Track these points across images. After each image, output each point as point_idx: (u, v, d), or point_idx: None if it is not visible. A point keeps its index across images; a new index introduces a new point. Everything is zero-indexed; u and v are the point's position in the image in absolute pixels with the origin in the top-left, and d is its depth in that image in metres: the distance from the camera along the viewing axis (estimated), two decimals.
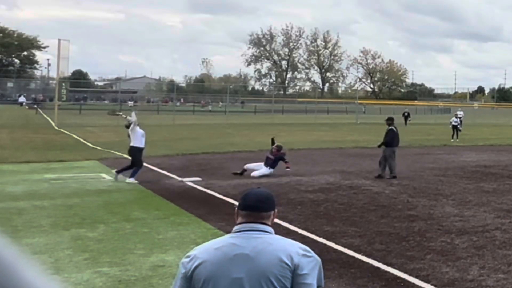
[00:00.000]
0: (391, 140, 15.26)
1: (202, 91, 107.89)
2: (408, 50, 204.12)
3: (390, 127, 15.50)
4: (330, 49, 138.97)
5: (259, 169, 14.81)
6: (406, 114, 46.34)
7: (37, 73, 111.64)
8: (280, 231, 8.06)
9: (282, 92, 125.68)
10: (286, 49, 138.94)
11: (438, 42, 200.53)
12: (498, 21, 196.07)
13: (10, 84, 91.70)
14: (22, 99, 73.66)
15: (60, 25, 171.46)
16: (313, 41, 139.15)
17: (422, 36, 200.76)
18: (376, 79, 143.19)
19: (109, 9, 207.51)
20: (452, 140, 28.85)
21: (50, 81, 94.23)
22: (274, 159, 14.98)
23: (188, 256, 2.68)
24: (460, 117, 39.02)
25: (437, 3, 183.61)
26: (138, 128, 13.69)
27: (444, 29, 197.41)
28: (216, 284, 2.57)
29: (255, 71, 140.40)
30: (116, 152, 19.80)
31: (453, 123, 30.68)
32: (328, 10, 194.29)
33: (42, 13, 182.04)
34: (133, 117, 13.65)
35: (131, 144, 13.71)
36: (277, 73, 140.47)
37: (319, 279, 2.64)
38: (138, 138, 13.62)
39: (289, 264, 2.57)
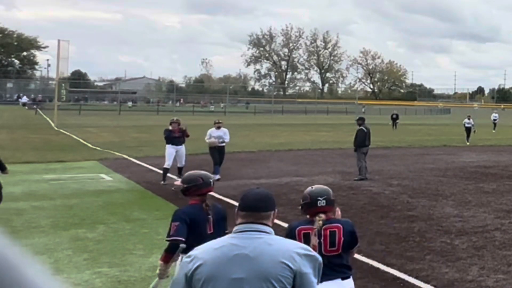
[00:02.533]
0: (362, 141, 15.11)
1: (202, 91, 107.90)
2: (406, 50, 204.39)
3: (360, 127, 15.23)
4: (329, 50, 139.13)
5: None
6: (394, 116, 42.00)
7: (37, 73, 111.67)
8: (280, 231, 8.04)
9: (281, 92, 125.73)
10: (286, 50, 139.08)
11: (436, 42, 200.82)
12: (495, 21, 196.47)
13: (9, 85, 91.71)
14: (24, 99, 73.70)
15: (58, 26, 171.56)
16: (312, 41, 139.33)
17: (420, 37, 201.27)
18: (376, 79, 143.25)
19: (106, 10, 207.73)
20: (468, 143, 27.41)
21: (50, 82, 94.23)
22: None
23: (189, 256, 2.68)
24: (494, 119, 38.67)
25: (434, 3, 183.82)
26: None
27: (442, 29, 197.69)
28: (215, 284, 2.56)
29: (254, 72, 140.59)
30: (116, 153, 19.80)
31: (466, 125, 28.95)
32: (325, 11, 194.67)
33: (40, 14, 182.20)
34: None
35: None
36: (276, 73, 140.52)
37: (317, 277, 2.65)
38: None
39: (290, 264, 2.56)
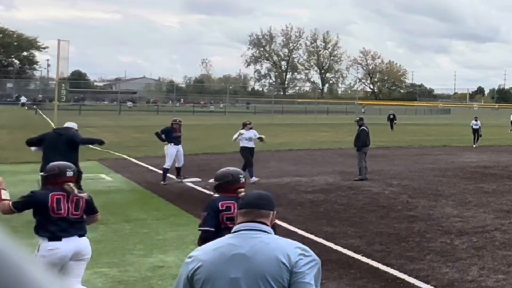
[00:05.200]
0: (365, 141, 15.15)
1: (202, 91, 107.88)
2: (406, 50, 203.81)
3: (362, 128, 15.30)
4: (329, 50, 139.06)
5: None
6: (391, 116, 40.74)
7: (37, 73, 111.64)
8: (280, 231, 8.04)
9: (281, 92, 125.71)
10: (286, 50, 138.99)
11: (435, 42, 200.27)
12: (495, 21, 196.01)
13: (9, 85, 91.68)
14: (23, 99, 73.89)
15: (58, 26, 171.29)
16: (312, 41, 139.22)
17: (420, 37, 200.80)
18: (376, 79, 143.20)
19: (105, 10, 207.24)
20: (474, 146, 26.21)
21: (50, 82, 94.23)
22: None
23: (190, 257, 2.69)
24: None
25: (433, 3, 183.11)
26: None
27: (441, 29, 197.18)
28: (214, 284, 2.56)
29: (254, 72, 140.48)
30: (116, 153, 19.80)
31: (474, 126, 27.52)
32: (325, 11, 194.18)
33: (40, 14, 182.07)
34: None
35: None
36: (276, 73, 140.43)
37: (316, 280, 2.62)
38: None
39: (287, 263, 2.55)
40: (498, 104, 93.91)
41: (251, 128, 14.41)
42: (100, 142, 11.16)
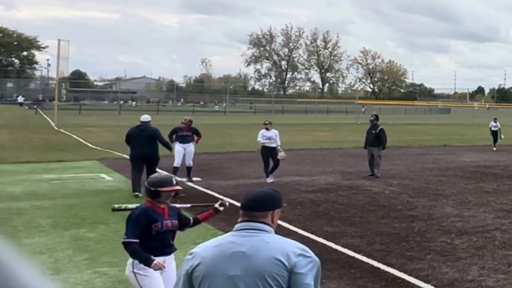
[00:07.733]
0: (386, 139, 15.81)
1: (202, 91, 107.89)
2: (405, 50, 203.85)
3: (381, 127, 16.14)
4: (330, 49, 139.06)
5: None
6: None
7: (37, 73, 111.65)
8: (280, 231, 8.04)
9: (282, 92, 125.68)
10: (286, 49, 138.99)
11: (435, 42, 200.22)
12: (494, 21, 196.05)
13: (9, 84, 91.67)
14: (21, 99, 74.00)
15: (58, 26, 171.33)
16: (313, 41, 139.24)
17: (419, 37, 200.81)
18: (376, 79, 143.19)
19: (104, 9, 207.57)
20: (494, 149, 25.20)
21: (50, 81, 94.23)
22: None
23: (191, 253, 2.71)
24: None
25: (432, 3, 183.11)
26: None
27: (440, 29, 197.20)
28: (213, 281, 2.58)
29: (255, 71, 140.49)
30: (116, 152, 19.79)
31: (493, 128, 25.95)
32: (324, 11, 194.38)
33: (39, 14, 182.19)
34: None
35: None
36: (277, 73, 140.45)
37: (316, 280, 2.61)
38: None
39: (285, 263, 2.55)
40: (489, 104, 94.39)
41: (267, 129, 14.27)
42: (169, 148, 12.73)
